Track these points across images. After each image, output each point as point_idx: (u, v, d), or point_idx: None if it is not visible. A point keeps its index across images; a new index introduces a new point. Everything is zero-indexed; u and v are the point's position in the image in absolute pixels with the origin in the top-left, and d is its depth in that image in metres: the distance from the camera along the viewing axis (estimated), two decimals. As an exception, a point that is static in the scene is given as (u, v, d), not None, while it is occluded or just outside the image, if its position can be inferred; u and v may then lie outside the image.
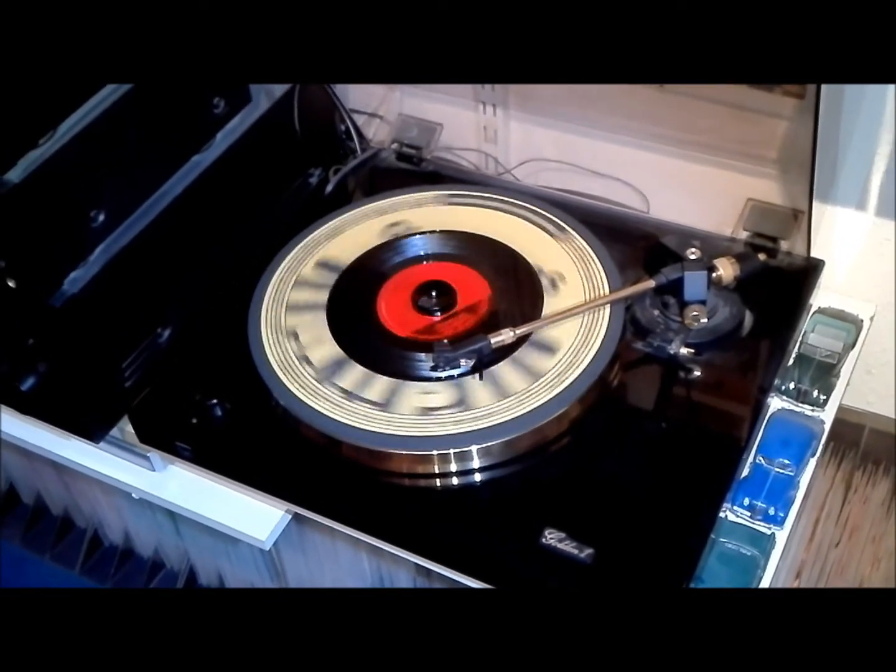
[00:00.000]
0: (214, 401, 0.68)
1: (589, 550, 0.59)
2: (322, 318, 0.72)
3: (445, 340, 0.66)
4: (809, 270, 0.74)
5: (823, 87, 0.64)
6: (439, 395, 0.66)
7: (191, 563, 0.89)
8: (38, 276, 0.64)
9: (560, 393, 0.64)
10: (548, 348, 0.67)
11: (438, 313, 0.71)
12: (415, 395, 0.66)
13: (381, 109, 0.89)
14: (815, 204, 0.71)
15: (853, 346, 0.73)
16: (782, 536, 0.63)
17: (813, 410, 0.69)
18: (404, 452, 0.64)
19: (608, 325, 0.68)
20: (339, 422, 0.65)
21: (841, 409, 0.70)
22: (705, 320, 0.68)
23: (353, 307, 0.72)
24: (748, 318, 0.70)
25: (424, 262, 0.75)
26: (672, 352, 0.68)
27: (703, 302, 0.68)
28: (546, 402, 0.64)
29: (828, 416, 0.69)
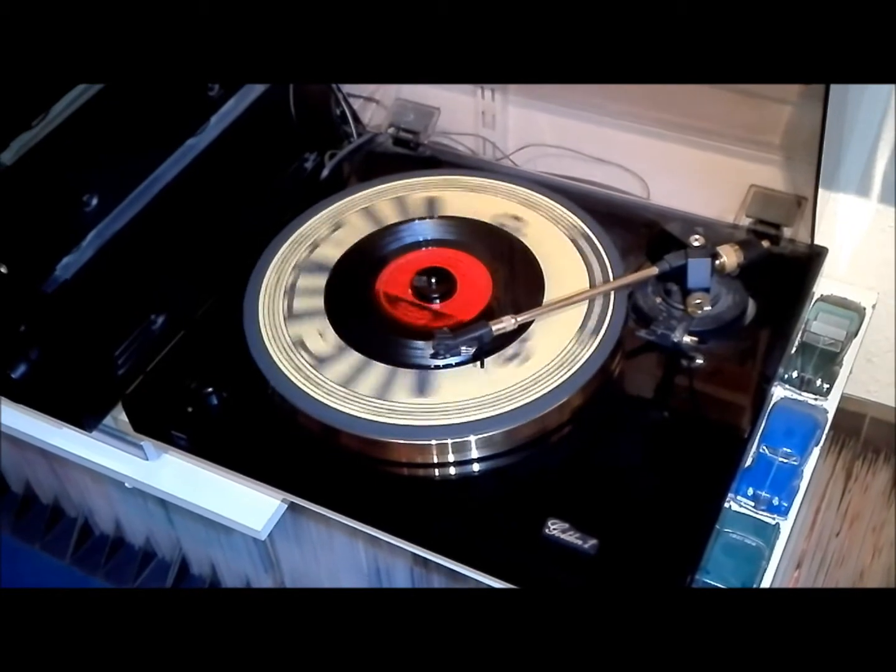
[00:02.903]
0: (210, 389, 0.67)
1: (593, 541, 0.58)
2: (320, 305, 0.71)
3: (446, 328, 0.65)
4: (812, 258, 0.73)
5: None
6: (439, 383, 0.65)
7: (183, 552, 0.89)
8: (30, 261, 0.63)
9: (562, 382, 0.63)
10: (549, 336, 0.66)
11: (438, 300, 0.70)
12: (414, 383, 0.65)
13: (377, 93, 0.88)
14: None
15: (856, 334, 0.73)
16: (786, 527, 0.62)
17: (816, 399, 0.69)
18: (403, 442, 0.63)
19: (611, 312, 0.67)
20: (336, 410, 0.64)
21: (842, 397, 0.70)
22: (708, 308, 0.67)
23: (351, 294, 0.71)
24: (751, 306, 0.70)
25: (423, 249, 0.74)
26: (675, 340, 0.67)
27: (706, 289, 0.67)
28: (548, 391, 0.63)
29: (831, 405, 0.69)
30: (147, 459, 0.73)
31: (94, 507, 0.91)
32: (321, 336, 0.68)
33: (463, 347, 0.64)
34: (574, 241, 0.72)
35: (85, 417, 0.69)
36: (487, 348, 0.65)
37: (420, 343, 0.67)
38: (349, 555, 0.77)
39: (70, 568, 0.93)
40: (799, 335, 0.72)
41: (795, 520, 0.63)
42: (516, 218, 0.75)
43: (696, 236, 0.68)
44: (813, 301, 0.74)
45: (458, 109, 0.86)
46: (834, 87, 0.65)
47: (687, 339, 0.67)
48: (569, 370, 0.64)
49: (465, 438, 0.62)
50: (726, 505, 0.63)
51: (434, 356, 0.65)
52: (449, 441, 0.62)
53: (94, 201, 0.66)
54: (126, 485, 0.75)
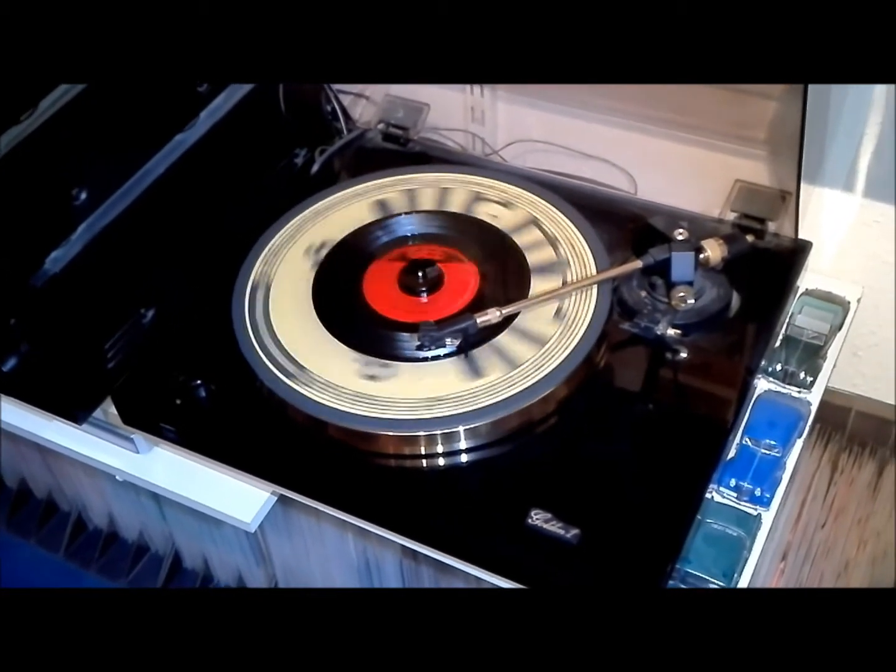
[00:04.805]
0: (199, 382, 0.68)
1: (575, 531, 0.58)
2: (307, 298, 0.71)
3: (431, 320, 0.66)
4: (797, 252, 0.74)
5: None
6: (426, 375, 0.65)
7: (175, 546, 0.89)
8: (19, 254, 0.63)
9: (547, 374, 0.64)
10: (535, 328, 0.67)
11: (425, 294, 0.70)
12: (401, 375, 0.66)
13: (367, 90, 0.89)
14: (802, 185, 0.71)
15: (840, 327, 0.73)
16: (768, 517, 0.63)
17: (799, 392, 0.69)
18: (390, 433, 0.63)
19: (595, 305, 0.68)
20: (324, 403, 0.64)
21: (827, 391, 0.70)
22: (692, 301, 0.68)
23: (338, 288, 0.72)
24: (735, 300, 0.70)
25: (411, 243, 0.75)
26: (659, 333, 0.67)
27: (690, 283, 0.67)
28: (533, 383, 0.63)
29: (814, 397, 0.69)
30: (138, 452, 0.73)
31: (87, 501, 0.92)
32: (308, 329, 0.69)
33: (448, 339, 0.65)
34: (560, 235, 0.73)
35: (75, 410, 0.69)
36: (472, 340, 0.66)
37: (406, 335, 0.67)
38: (339, 546, 0.77)
39: (64, 562, 0.94)
40: (783, 328, 0.72)
41: (778, 511, 0.64)
42: (503, 212, 0.76)
43: (680, 230, 0.68)
44: (797, 295, 0.74)
45: (447, 106, 0.87)
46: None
47: (671, 331, 0.67)
48: (553, 362, 0.65)
49: (453, 430, 0.63)
50: (708, 496, 0.63)
51: (419, 348, 0.66)
52: (437, 432, 0.63)
53: (84, 195, 0.66)
54: (117, 478, 0.75)
